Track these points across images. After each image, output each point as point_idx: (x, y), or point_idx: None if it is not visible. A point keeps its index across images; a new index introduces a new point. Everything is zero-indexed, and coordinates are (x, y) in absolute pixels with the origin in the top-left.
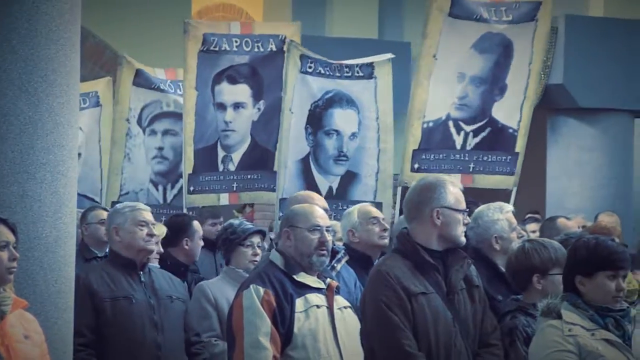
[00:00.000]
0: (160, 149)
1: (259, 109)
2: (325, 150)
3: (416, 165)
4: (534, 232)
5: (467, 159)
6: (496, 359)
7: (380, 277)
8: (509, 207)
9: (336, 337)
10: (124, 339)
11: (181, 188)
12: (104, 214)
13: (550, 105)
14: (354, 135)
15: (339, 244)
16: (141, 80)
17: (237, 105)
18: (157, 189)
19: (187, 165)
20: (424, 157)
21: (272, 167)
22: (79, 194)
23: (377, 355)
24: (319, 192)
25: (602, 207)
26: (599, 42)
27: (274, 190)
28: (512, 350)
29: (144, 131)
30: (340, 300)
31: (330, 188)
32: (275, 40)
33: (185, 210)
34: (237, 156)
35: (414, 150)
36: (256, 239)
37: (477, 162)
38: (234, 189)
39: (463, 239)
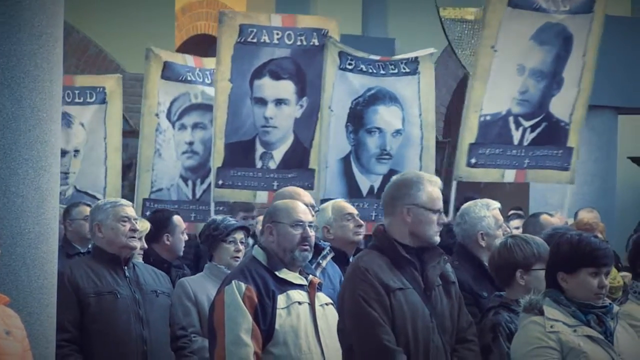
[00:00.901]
0: (191, 143)
1: (301, 105)
2: (367, 148)
3: (472, 160)
4: (517, 228)
5: (522, 154)
6: (472, 354)
7: (358, 273)
8: (496, 204)
9: (317, 334)
10: (110, 334)
11: (210, 183)
12: (88, 210)
13: None
14: (397, 132)
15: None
16: (169, 73)
17: (279, 102)
18: (187, 185)
19: (217, 159)
20: (480, 151)
21: (308, 165)
22: (79, 191)
23: (355, 352)
24: (359, 192)
25: (585, 204)
26: None
27: (310, 188)
28: (495, 346)
29: (173, 126)
30: (322, 297)
31: (372, 187)
32: (318, 35)
33: (212, 205)
34: (278, 154)
35: (471, 144)
36: (239, 235)
37: (531, 158)
38: (275, 187)
39: (436, 239)
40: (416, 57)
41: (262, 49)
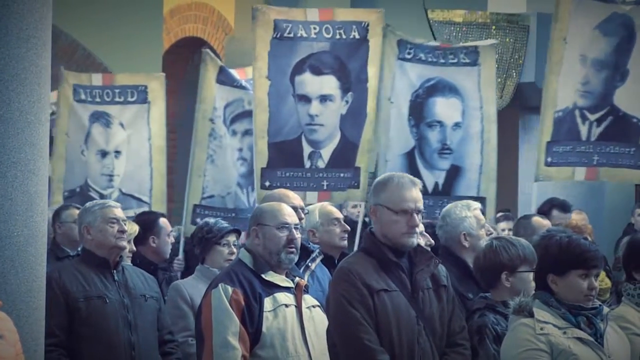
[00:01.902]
0: (240, 150)
1: (347, 101)
2: (430, 143)
3: (549, 159)
4: (504, 230)
5: (591, 150)
6: (462, 358)
7: (342, 274)
8: (477, 204)
9: (304, 336)
10: (98, 339)
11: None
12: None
13: (523, 104)
14: (457, 125)
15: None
16: (224, 77)
17: (323, 98)
18: (243, 192)
19: (260, 159)
20: (554, 149)
21: (355, 162)
22: (124, 194)
23: (339, 351)
24: (425, 188)
25: (574, 206)
26: None
27: (356, 187)
28: (481, 348)
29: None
30: (308, 299)
31: (436, 184)
32: (359, 28)
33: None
34: (326, 153)
35: (547, 143)
36: (232, 238)
37: (600, 154)
38: (325, 187)
39: (406, 240)
40: (476, 47)
41: (300, 43)
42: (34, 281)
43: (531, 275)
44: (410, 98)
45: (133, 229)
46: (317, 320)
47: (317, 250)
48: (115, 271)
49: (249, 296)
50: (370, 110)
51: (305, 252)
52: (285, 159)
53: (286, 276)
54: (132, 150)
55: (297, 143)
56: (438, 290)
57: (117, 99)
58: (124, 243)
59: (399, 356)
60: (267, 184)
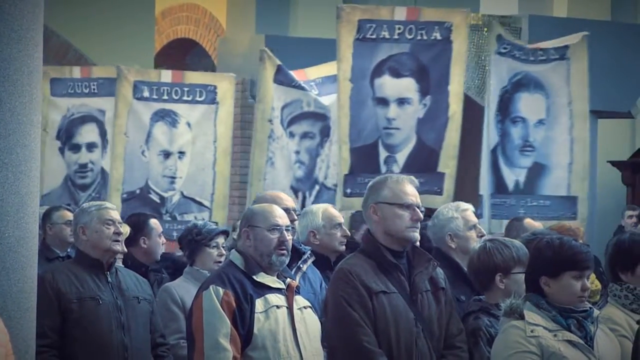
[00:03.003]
0: (297, 152)
1: (424, 104)
2: (512, 139)
3: None
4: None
5: None
6: None
7: (341, 275)
8: (467, 206)
9: (296, 338)
10: (91, 341)
11: (318, 194)
12: (69, 215)
13: None
14: (540, 122)
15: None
16: (282, 77)
17: (401, 101)
18: (297, 197)
19: (343, 165)
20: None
21: (436, 168)
22: (186, 197)
23: (337, 352)
24: (505, 187)
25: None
26: None
27: (439, 193)
28: (476, 351)
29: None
30: (300, 301)
31: (517, 182)
32: (441, 29)
33: (343, 214)
34: (401, 157)
35: None
36: (221, 240)
37: None
38: None
39: (410, 235)
40: (566, 45)
41: (380, 45)
42: (25, 282)
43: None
44: (499, 94)
45: (125, 230)
46: (309, 322)
47: (309, 252)
48: (108, 273)
49: (240, 297)
50: (455, 114)
51: (296, 254)
52: (364, 164)
53: (277, 277)
54: (196, 151)
55: (374, 148)
56: (436, 293)
57: (185, 98)
58: (119, 247)
59: (397, 358)
60: (349, 191)
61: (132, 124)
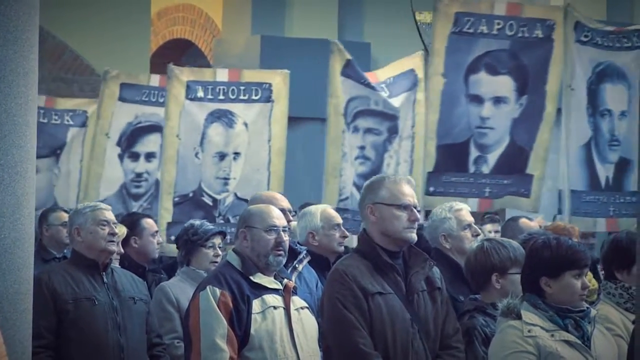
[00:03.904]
0: (362, 148)
1: (521, 104)
2: (602, 133)
3: None
4: (490, 232)
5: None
6: None
7: (336, 276)
8: (462, 205)
9: (293, 338)
10: (87, 341)
11: None
12: (66, 216)
13: None
14: (623, 114)
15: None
16: (351, 71)
17: (497, 100)
18: (360, 193)
19: (427, 162)
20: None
21: (525, 169)
22: (239, 198)
23: (333, 354)
24: (599, 183)
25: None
26: None
27: (526, 195)
28: (470, 351)
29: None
30: (297, 301)
31: (607, 178)
32: (543, 26)
33: (422, 213)
34: (492, 158)
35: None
36: (217, 240)
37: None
38: (486, 194)
39: (407, 235)
40: None
41: (478, 39)
42: (21, 283)
43: None
44: (587, 85)
45: (121, 231)
46: (306, 322)
47: (304, 252)
48: (104, 273)
49: (237, 298)
50: (549, 115)
51: (292, 254)
52: (451, 163)
53: (274, 278)
54: (251, 151)
55: (465, 147)
56: (432, 293)
57: (241, 97)
58: (114, 247)
59: (393, 359)
60: (432, 189)
61: (185, 126)
